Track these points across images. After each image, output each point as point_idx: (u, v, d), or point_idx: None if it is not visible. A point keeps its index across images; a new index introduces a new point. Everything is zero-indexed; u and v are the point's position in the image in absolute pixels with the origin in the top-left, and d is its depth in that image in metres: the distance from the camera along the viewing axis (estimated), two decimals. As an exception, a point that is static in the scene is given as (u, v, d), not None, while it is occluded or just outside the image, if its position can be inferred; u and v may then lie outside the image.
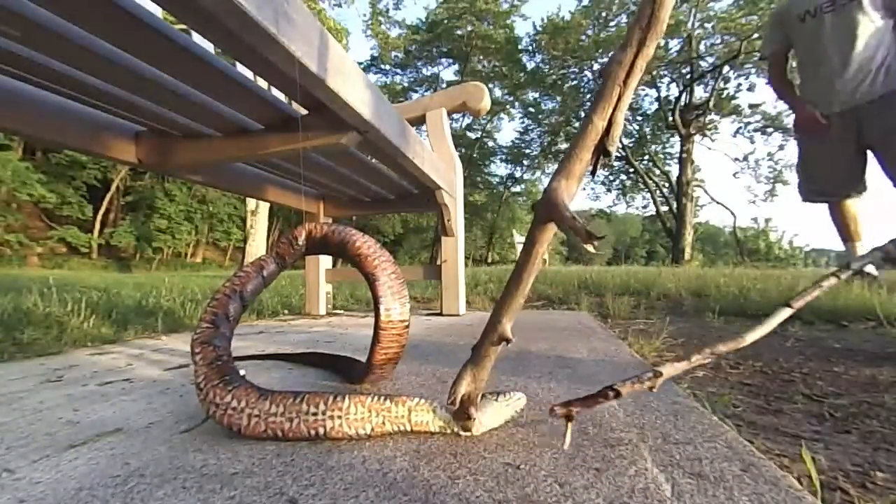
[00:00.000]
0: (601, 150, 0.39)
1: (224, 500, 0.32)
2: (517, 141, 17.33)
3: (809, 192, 1.85)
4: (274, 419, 0.43)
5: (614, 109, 0.39)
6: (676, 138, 14.04)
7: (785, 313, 0.42)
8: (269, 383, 0.67)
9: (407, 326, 0.59)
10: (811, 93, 1.76)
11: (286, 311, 1.87)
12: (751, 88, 13.32)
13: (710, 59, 12.81)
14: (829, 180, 1.75)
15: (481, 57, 15.71)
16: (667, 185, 15.04)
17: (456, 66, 16.46)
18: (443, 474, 0.36)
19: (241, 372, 0.48)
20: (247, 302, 0.56)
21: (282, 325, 1.43)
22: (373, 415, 0.44)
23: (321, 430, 0.43)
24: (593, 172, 0.40)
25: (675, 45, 13.09)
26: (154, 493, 0.34)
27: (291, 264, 0.60)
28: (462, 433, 0.44)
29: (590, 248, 0.34)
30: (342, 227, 0.59)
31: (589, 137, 0.38)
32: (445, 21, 15.15)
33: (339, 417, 0.43)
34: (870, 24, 1.56)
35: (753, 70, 12.56)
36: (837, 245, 1.85)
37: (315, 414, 0.43)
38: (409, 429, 0.45)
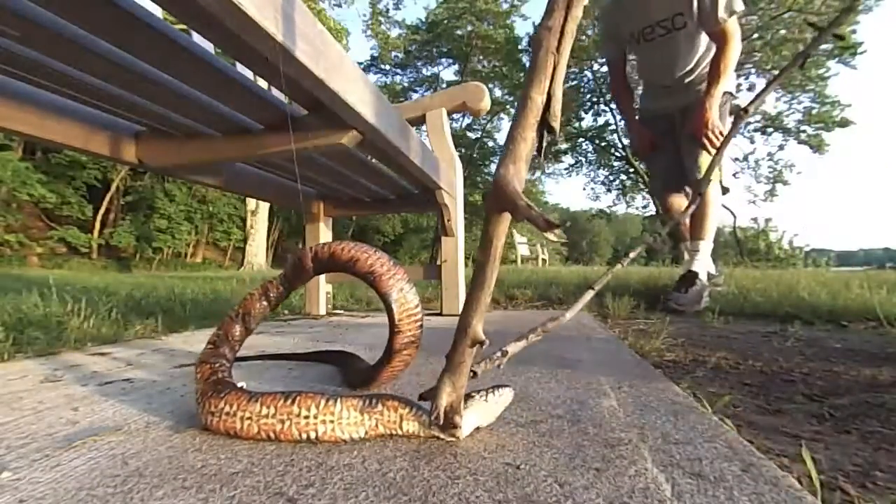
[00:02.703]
0: (545, 128, 0.37)
1: (224, 500, 0.32)
2: (517, 141, 17.30)
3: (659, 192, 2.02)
4: (265, 421, 0.43)
5: (551, 81, 0.36)
6: (676, 138, 14.00)
7: (589, 294, 0.48)
8: (267, 383, 0.67)
9: (417, 347, 0.59)
10: (648, 96, 2.03)
11: (286, 311, 1.87)
12: (751, 88, 13.30)
13: (710, 60, 12.79)
14: (673, 179, 1.93)
15: (481, 57, 15.70)
16: (667, 185, 15.00)
17: (456, 66, 16.45)
18: (443, 474, 0.36)
19: (241, 384, 0.49)
20: (250, 325, 0.57)
21: (282, 325, 1.43)
22: (365, 418, 0.43)
23: (312, 434, 0.43)
24: (540, 152, 0.38)
25: (675, 45, 13.07)
26: (154, 493, 0.34)
27: (299, 286, 0.59)
28: (449, 440, 0.44)
29: (550, 236, 0.33)
30: (351, 243, 0.56)
31: (530, 115, 0.36)
32: (445, 21, 15.15)
33: (332, 422, 0.43)
34: (690, 46, 1.77)
35: (753, 70, 12.56)
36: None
37: (307, 417, 0.43)
38: (400, 433, 0.44)
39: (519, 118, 0.36)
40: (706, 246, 1.82)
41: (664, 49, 1.77)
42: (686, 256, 1.89)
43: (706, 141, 1.65)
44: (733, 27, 1.62)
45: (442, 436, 0.44)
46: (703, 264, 1.82)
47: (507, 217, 0.37)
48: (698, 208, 1.79)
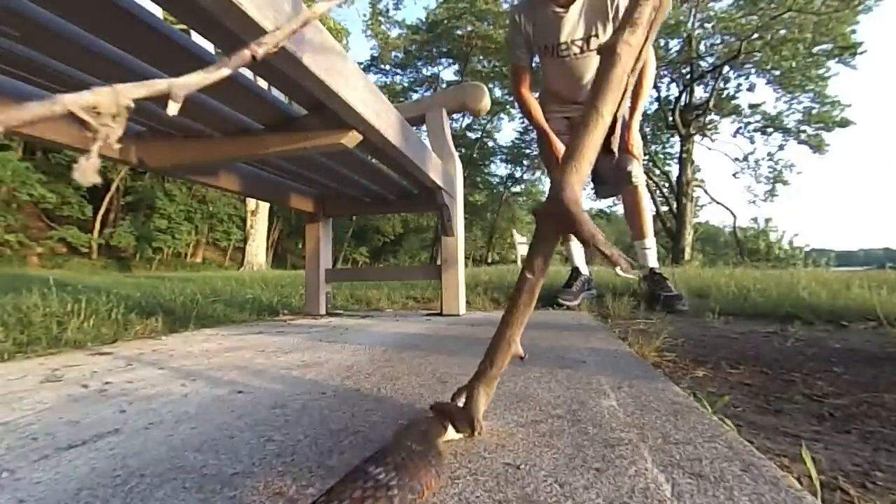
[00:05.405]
0: (605, 149, 0.34)
1: (224, 500, 0.32)
2: (517, 141, 17.32)
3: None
4: None
5: (621, 101, 0.33)
6: (676, 138, 14.03)
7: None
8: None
9: None
10: (550, 100, 2.09)
11: (286, 311, 1.87)
12: (751, 88, 13.33)
13: (710, 59, 12.80)
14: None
15: (481, 57, 15.69)
16: (667, 185, 15.02)
17: (456, 66, 16.45)
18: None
19: None
20: None
21: (282, 325, 1.43)
22: None
23: None
24: None
25: (675, 45, 13.08)
26: (154, 493, 0.34)
27: None
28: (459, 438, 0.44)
29: (618, 270, 0.31)
30: None
31: (597, 134, 0.32)
32: (445, 21, 15.13)
33: None
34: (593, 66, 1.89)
35: (753, 70, 12.56)
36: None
37: None
38: None
39: (586, 135, 0.32)
40: (651, 241, 2.00)
41: (575, 67, 1.83)
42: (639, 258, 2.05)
43: (635, 153, 1.90)
44: (650, 52, 1.73)
45: (457, 437, 0.44)
46: (655, 259, 2.00)
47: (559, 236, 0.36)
48: (634, 211, 1.98)
